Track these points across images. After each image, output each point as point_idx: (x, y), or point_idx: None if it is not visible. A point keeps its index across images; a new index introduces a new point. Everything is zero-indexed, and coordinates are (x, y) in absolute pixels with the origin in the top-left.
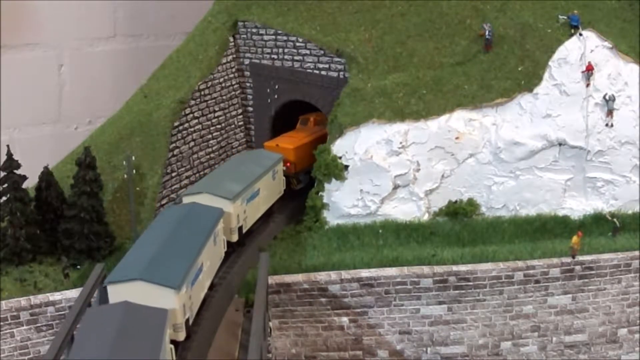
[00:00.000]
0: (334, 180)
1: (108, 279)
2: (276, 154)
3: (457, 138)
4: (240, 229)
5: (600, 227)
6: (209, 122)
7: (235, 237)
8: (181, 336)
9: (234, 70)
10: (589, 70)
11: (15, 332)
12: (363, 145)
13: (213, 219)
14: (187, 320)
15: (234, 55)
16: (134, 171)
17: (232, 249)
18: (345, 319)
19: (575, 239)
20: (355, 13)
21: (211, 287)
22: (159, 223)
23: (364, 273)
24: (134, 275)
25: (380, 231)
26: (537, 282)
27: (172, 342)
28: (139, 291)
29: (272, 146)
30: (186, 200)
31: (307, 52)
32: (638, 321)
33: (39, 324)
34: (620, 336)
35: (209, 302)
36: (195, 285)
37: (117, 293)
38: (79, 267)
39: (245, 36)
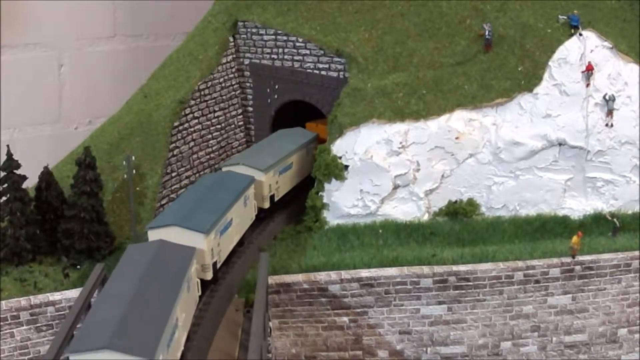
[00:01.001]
0: (334, 180)
1: (149, 225)
2: (312, 133)
3: (457, 138)
4: (272, 197)
5: (600, 227)
6: (209, 122)
7: (267, 204)
8: (208, 276)
9: (234, 70)
10: (589, 70)
11: (15, 332)
12: (363, 145)
13: (244, 184)
14: (215, 263)
15: (234, 55)
16: (134, 171)
17: (264, 214)
18: (345, 319)
19: (575, 239)
20: (355, 13)
21: (241, 243)
22: (198, 185)
23: (364, 273)
24: (170, 221)
25: (380, 231)
26: (537, 282)
27: (201, 280)
28: (174, 235)
29: (313, 125)
30: (225, 169)
31: (307, 52)
32: (638, 321)
33: (39, 324)
34: (620, 336)
35: (209, 301)
36: (224, 235)
37: (156, 237)
38: (79, 267)
39: (245, 36)
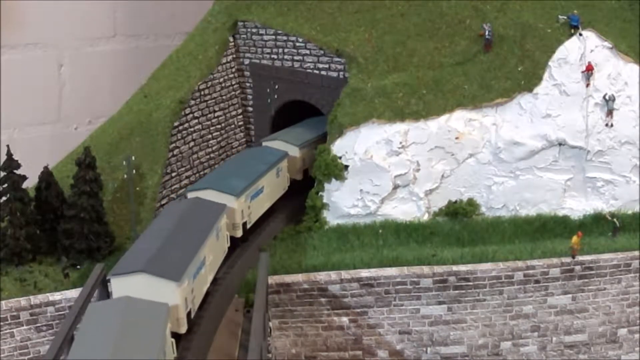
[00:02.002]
0: (334, 180)
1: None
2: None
3: (457, 138)
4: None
5: (600, 227)
6: (209, 122)
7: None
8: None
9: (233, 70)
10: (589, 70)
11: (15, 332)
12: (363, 145)
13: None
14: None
15: (234, 55)
16: (134, 171)
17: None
18: (345, 319)
19: (575, 239)
20: (355, 13)
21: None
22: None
23: (364, 273)
24: (206, 185)
25: (380, 231)
26: (537, 282)
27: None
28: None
29: None
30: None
31: (307, 52)
32: (638, 321)
33: (39, 324)
34: (620, 336)
35: (209, 301)
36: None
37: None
38: (79, 267)
39: (245, 36)
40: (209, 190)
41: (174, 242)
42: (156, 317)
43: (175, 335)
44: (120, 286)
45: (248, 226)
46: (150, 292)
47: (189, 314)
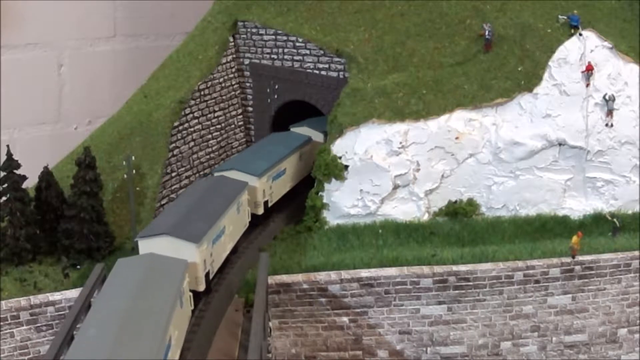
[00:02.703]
0: (334, 180)
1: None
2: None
3: (457, 138)
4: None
5: (600, 227)
6: (209, 122)
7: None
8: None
9: (233, 70)
10: (589, 70)
11: (15, 332)
12: (363, 145)
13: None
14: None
15: (234, 55)
16: (134, 171)
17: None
18: (345, 319)
19: (575, 239)
20: (355, 13)
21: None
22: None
23: (364, 273)
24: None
25: (380, 231)
26: (537, 282)
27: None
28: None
29: None
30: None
31: (307, 52)
32: (638, 321)
33: (39, 324)
34: (620, 336)
35: (209, 301)
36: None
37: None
38: (79, 267)
39: (245, 36)
40: (233, 170)
41: (197, 211)
42: (175, 270)
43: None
44: (147, 247)
45: (270, 205)
46: (173, 253)
47: (207, 274)
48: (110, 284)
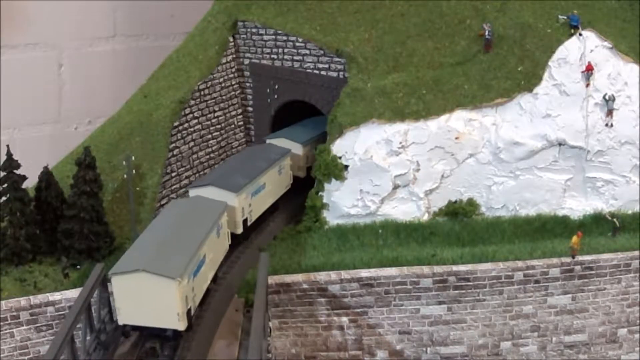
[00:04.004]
0: (333, 180)
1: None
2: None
3: (457, 138)
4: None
5: (600, 227)
6: (208, 122)
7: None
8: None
9: (233, 70)
10: (589, 70)
11: (15, 332)
12: (363, 145)
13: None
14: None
15: (234, 55)
16: (134, 171)
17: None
18: (345, 319)
19: (575, 239)
20: (355, 13)
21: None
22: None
23: (364, 273)
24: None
25: (380, 231)
26: (537, 282)
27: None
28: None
29: None
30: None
31: (307, 52)
32: (638, 321)
33: (38, 324)
34: (620, 336)
35: (209, 301)
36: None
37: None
38: (78, 267)
39: (245, 36)
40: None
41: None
42: (216, 207)
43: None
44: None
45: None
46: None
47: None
48: (161, 214)
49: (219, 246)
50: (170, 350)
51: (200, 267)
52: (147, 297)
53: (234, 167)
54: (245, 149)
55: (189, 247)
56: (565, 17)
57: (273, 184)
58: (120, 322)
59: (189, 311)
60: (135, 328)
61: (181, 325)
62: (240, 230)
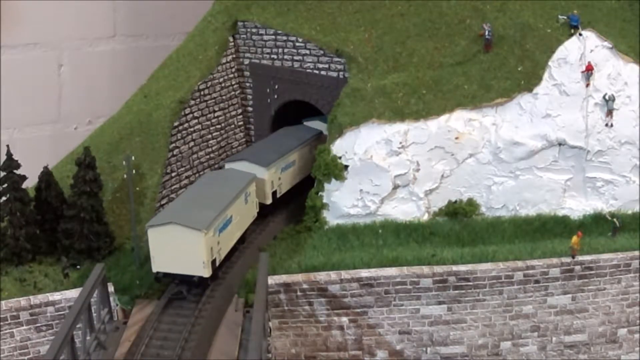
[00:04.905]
0: (333, 180)
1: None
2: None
3: (456, 138)
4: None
5: (600, 227)
6: (208, 122)
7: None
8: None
9: (233, 70)
10: (589, 70)
11: (15, 332)
12: (363, 145)
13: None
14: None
15: (234, 55)
16: (134, 171)
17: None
18: (345, 319)
19: (575, 239)
20: (355, 13)
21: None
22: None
23: (364, 273)
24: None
25: (380, 231)
26: (536, 282)
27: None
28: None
29: None
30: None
31: (307, 52)
32: (638, 321)
33: (38, 324)
34: (620, 336)
35: (209, 301)
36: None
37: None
38: (78, 267)
39: (245, 36)
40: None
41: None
42: (244, 178)
43: None
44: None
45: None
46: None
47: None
48: (197, 181)
49: (247, 211)
50: (196, 295)
51: (226, 225)
52: (177, 247)
53: (267, 145)
54: (279, 130)
55: (216, 207)
56: (565, 17)
57: (303, 160)
58: (154, 269)
59: (213, 261)
60: (166, 275)
61: (206, 273)
62: (269, 201)
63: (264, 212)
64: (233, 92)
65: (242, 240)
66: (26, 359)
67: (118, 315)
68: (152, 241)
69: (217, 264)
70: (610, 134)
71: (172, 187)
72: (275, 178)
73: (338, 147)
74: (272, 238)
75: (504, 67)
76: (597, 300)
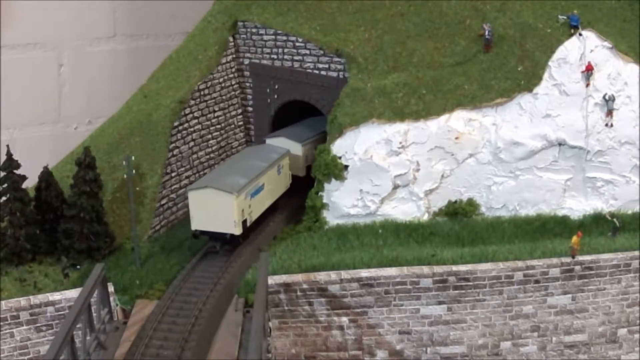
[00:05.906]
0: (333, 180)
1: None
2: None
3: (456, 138)
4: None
5: (600, 227)
6: (208, 122)
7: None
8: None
9: (233, 70)
10: (589, 70)
11: (15, 332)
12: (363, 145)
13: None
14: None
15: (234, 55)
16: (134, 171)
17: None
18: (345, 319)
19: (575, 239)
20: (355, 13)
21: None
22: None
23: (364, 273)
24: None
25: (380, 231)
26: (536, 282)
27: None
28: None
29: None
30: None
31: (307, 52)
32: (638, 321)
33: (38, 324)
34: (620, 336)
35: (209, 302)
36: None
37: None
38: (78, 267)
39: (245, 36)
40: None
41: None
42: (279, 152)
43: None
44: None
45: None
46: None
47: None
48: (237, 154)
49: (279, 181)
50: (228, 250)
51: (258, 191)
52: (212, 208)
53: (301, 127)
54: (306, 120)
55: (249, 175)
56: (565, 17)
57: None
58: (193, 227)
59: (244, 222)
60: (202, 232)
61: (237, 231)
62: (303, 174)
63: (296, 186)
64: (233, 92)
65: (274, 207)
66: (26, 359)
67: (118, 315)
68: (191, 203)
69: (248, 224)
70: (610, 134)
71: (172, 187)
72: (310, 154)
73: (338, 147)
74: (272, 238)
75: (504, 67)
76: (597, 300)
